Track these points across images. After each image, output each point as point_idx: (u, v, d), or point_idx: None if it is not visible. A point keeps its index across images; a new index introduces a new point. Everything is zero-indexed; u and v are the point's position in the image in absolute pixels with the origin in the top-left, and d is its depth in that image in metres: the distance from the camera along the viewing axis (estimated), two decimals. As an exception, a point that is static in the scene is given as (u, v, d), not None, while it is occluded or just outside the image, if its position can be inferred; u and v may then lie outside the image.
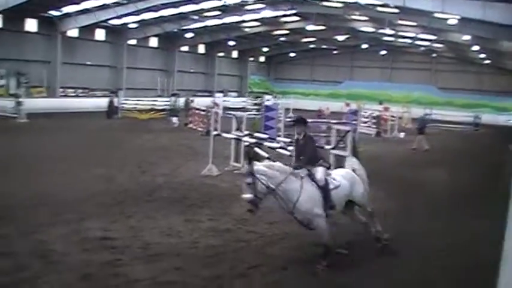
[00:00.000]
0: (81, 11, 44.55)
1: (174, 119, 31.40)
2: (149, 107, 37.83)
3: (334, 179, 8.32)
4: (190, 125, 29.80)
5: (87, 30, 48.79)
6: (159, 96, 48.00)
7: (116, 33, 52.20)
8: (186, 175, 14.45)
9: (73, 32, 48.49)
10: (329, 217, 8.05)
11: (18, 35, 44.17)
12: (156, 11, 45.80)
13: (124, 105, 37.49)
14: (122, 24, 50.74)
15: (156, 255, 7.81)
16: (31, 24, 45.58)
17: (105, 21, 47.47)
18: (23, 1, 37.78)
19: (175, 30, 53.23)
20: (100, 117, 34.11)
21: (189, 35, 56.67)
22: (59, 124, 29.83)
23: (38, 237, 8.27)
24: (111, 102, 36.18)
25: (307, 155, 8.35)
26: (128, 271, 7.12)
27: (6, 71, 43.35)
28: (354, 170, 8.91)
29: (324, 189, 8.07)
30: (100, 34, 51.64)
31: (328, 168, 8.66)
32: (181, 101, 35.76)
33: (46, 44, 46.32)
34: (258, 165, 7.83)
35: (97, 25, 48.75)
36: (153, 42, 57.62)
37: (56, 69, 46.76)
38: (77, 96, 47.50)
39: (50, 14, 45.18)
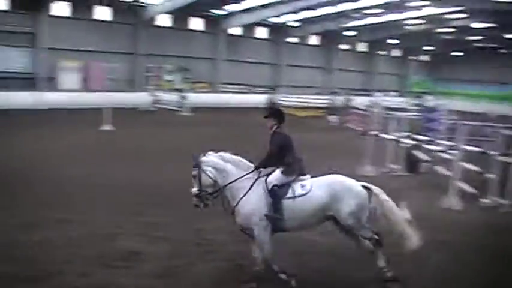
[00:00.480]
0: (244, 10, 46.00)
1: (333, 118, 31.32)
2: (308, 105, 37.98)
3: (302, 186, 6.94)
4: (349, 124, 29.52)
5: (249, 29, 50.35)
6: (318, 94, 48.10)
7: (277, 31, 53.20)
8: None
9: (236, 30, 50.22)
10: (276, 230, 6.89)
11: (184, 33, 46.83)
12: (316, 9, 45.98)
13: (282, 102, 38.07)
14: (282, 23, 51.59)
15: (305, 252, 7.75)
16: (197, 23, 48.03)
17: (267, 19, 48.56)
18: (190, 2, 39.89)
19: (335, 28, 52.98)
20: (259, 113, 34.89)
21: (349, 33, 56.19)
22: (220, 118, 31.11)
23: (196, 226, 8.60)
24: (270, 99, 36.92)
25: (268, 154, 7.27)
26: (283, 266, 6.86)
27: (173, 67, 45.99)
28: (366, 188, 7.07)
29: (273, 196, 6.87)
30: (261, 32, 52.90)
31: (300, 174, 7.14)
32: (340, 99, 35.57)
33: (210, 42, 48.60)
34: (208, 156, 7.13)
35: (259, 23, 50.04)
36: (313, 40, 57.90)
37: (219, 65, 48.90)
38: (238, 92, 48.99)
39: (215, 13, 47.26)
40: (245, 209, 6.84)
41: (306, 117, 34.40)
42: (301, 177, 7.06)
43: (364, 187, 7.01)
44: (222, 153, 7.24)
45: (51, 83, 39.41)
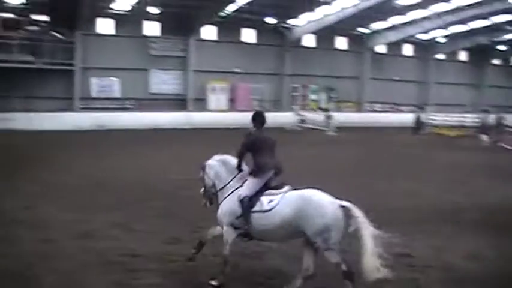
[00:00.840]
0: (389, 27, 45.28)
1: (484, 137, 29.70)
2: (457, 124, 36.39)
3: (270, 201, 6.76)
4: (502, 144, 27.81)
5: (394, 46, 49.39)
6: (468, 112, 45.91)
7: (424, 48, 51.74)
8: (494, 197, 13.41)
9: (381, 48, 49.52)
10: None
11: (329, 53, 46.95)
12: (465, 23, 44.07)
13: (431, 121, 36.78)
14: (429, 39, 50.10)
15: (458, 280, 7.37)
16: (341, 42, 47.96)
17: (413, 36, 47.40)
18: (334, 21, 40.07)
19: (487, 42, 50.44)
20: (405, 133, 34.06)
21: (502, 47, 53.24)
22: (365, 138, 30.68)
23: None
24: (417, 118, 35.85)
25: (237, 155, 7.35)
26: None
27: (318, 87, 46.32)
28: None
29: (242, 207, 6.86)
30: (407, 49, 51.74)
31: (276, 174, 7.26)
32: (492, 117, 33.63)
33: (355, 60, 48.30)
34: (212, 160, 7.57)
35: (405, 40, 48.96)
36: (462, 56, 55.52)
37: (364, 84, 48.41)
38: (383, 111, 48.20)
39: (359, 32, 46.92)
40: (221, 210, 7.17)
41: (456, 137, 32.98)
42: (275, 191, 6.96)
43: (342, 206, 6.55)
44: (224, 157, 7.60)
45: (200, 104, 41.40)
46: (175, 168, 16.69)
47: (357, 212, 6.61)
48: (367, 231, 6.54)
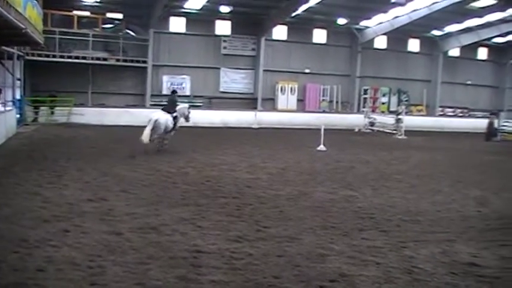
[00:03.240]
0: (463, 29, 44.07)
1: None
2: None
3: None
4: None
5: (468, 49, 48.03)
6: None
7: (499, 51, 50.09)
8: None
9: (454, 51, 48.31)
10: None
11: (401, 55, 46.20)
12: (548, 25, 42.33)
13: (504, 128, 35.52)
14: (506, 42, 48.41)
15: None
16: (413, 44, 47.11)
17: (488, 39, 45.94)
18: (407, 23, 39.33)
19: None
20: (477, 139, 33.06)
21: None
22: (435, 143, 29.96)
23: (407, 253, 8.32)
24: (490, 124, 34.70)
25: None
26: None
27: (389, 89, 45.61)
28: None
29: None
30: (482, 53, 50.25)
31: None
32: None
33: (427, 63, 47.33)
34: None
35: (479, 43, 47.53)
36: (542, 60, 53.29)
37: (436, 88, 47.37)
38: (455, 115, 47.03)
39: (432, 34, 45.92)
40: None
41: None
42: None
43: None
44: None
45: (269, 104, 41.60)
46: (242, 167, 16.82)
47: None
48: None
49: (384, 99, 46.07)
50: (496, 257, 8.39)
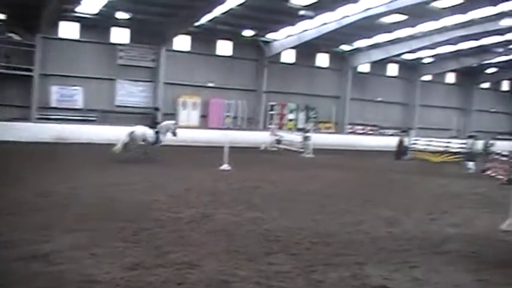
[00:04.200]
0: (372, 45, 45.83)
1: (470, 164, 30.05)
2: (442, 149, 36.86)
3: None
4: (489, 172, 28.15)
5: (378, 65, 50.06)
6: (454, 137, 46.57)
7: (409, 68, 52.60)
8: (480, 228, 13.50)
9: (364, 67, 50.17)
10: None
11: (309, 70, 47.44)
12: (454, 44, 44.88)
13: (414, 146, 37.17)
14: (415, 59, 50.88)
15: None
16: (322, 59, 48.49)
17: (398, 55, 48.06)
18: (315, 37, 40.35)
19: (475, 64, 51.46)
20: (387, 157, 34.39)
21: (490, 70, 54.33)
22: (344, 161, 30.85)
23: (316, 277, 8.46)
24: (400, 142, 36.18)
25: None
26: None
27: (296, 105, 46.56)
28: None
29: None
30: (392, 69, 52.48)
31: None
32: (479, 144, 34.08)
33: (336, 79, 48.87)
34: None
35: (389, 60, 49.61)
36: (450, 78, 56.62)
37: (345, 104, 48.92)
38: (365, 133, 48.69)
39: (341, 49, 47.45)
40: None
41: (440, 163, 33.40)
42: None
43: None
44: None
45: (170, 119, 41.22)
46: (140, 187, 16.57)
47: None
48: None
49: (291, 116, 46.99)
50: (408, 278, 8.71)
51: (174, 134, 25.96)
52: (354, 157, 34.51)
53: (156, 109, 28.77)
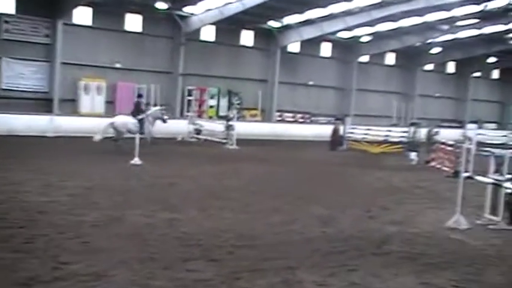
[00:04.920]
0: (304, 21, 46.13)
1: (413, 155, 30.87)
2: (382, 139, 37.71)
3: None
4: (433, 164, 29.03)
5: (310, 45, 50.51)
6: (395, 125, 47.71)
7: (345, 48, 53.29)
8: (424, 226, 13.91)
9: (294, 47, 50.47)
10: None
11: (232, 49, 47.27)
12: (394, 20, 45.79)
13: (351, 135, 37.83)
14: (352, 37, 51.55)
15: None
16: (247, 37, 48.44)
17: (333, 33, 48.53)
18: (240, 11, 40.20)
19: (418, 44, 52.73)
20: (322, 148, 34.91)
21: (435, 50, 55.81)
22: (272, 153, 31.12)
23: (242, 285, 8.50)
24: (335, 131, 36.73)
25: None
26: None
27: (218, 90, 46.39)
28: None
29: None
30: (326, 49, 53.05)
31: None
32: (422, 132, 35.01)
33: (263, 60, 49.00)
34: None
35: (323, 38, 50.08)
36: (390, 59, 57.89)
37: (273, 89, 49.07)
38: (295, 121, 49.11)
39: (269, 26, 47.48)
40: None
41: (380, 154, 34.15)
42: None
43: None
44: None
45: (69, 106, 40.38)
46: (34, 187, 16.17)
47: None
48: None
49: (212, 102, 46.94)
50: (345, 283, 8.88)
51: (164, 120, 28.47)
52: (284, 148, 34.82)
53: (140, 96, 30.21)
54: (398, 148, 35.14)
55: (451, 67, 63.30)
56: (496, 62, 61.54)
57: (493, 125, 61.94)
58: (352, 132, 38.10)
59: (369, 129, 38.95)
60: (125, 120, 26.91)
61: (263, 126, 44.60)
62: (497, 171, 14.91)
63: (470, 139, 24.11)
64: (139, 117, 26.84)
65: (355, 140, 37.43)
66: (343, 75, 53.99)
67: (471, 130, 37.03)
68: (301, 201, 15.99)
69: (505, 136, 46.55)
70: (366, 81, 54.91)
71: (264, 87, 49.18)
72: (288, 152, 32.50)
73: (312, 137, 41.72)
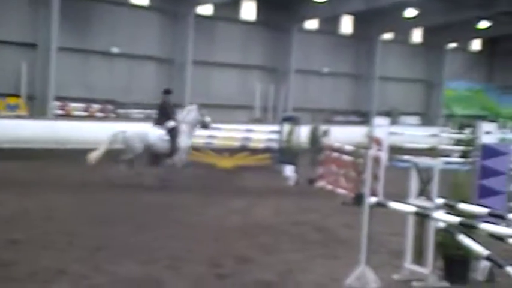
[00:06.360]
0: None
1: (288, 170, 31.23)
2: (238, 144, 38.07)
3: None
4: (321, 183, 29.48)
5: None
6: (258, 121, 48.36)
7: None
8: (310, 285, 14.02)
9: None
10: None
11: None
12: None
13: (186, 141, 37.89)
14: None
15: None
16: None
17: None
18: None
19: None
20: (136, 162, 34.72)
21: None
22: (50, 172, 31.12)
23: None
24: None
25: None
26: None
27: None
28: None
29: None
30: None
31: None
32: (303, 132, 35.48)
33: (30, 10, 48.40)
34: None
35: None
36: (249, 12, 59.01)
37: (49, 61, 48.56)
38: (90, 116, 49.31)
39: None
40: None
41: (237, 169, 34.32)
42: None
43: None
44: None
45: None
46: None
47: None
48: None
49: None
50: None
51: (206, 125, 29.64)
52: (70, 163, 34.23)
53: (167, 92, 29.48)
54: (263, 159, 35.47)
55: (346, 27, 65.19)
56: (415, 17, 64.02)
57: (414, 119, 64.03)
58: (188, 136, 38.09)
59: (216, 129, 38.63)
60: (142, 131, 27.42)
61: (31, 126, 43.66)
62: (423, 192, 15.09)
63: (378, 142, 24.64)
64: (172, 125, 27.37)
65: (195, 149, 37.16)
66: (169, 37, 54.00)
67: (380, 127, 37.82)
68: (101, 255, 15.60)
69: (435, 136, 47.32)
70: (211, 50, 55.10)
71: (32, 57, 48.33)
72: (77, 169, 31.95)
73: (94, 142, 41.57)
